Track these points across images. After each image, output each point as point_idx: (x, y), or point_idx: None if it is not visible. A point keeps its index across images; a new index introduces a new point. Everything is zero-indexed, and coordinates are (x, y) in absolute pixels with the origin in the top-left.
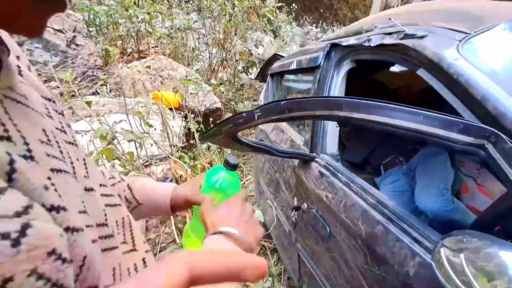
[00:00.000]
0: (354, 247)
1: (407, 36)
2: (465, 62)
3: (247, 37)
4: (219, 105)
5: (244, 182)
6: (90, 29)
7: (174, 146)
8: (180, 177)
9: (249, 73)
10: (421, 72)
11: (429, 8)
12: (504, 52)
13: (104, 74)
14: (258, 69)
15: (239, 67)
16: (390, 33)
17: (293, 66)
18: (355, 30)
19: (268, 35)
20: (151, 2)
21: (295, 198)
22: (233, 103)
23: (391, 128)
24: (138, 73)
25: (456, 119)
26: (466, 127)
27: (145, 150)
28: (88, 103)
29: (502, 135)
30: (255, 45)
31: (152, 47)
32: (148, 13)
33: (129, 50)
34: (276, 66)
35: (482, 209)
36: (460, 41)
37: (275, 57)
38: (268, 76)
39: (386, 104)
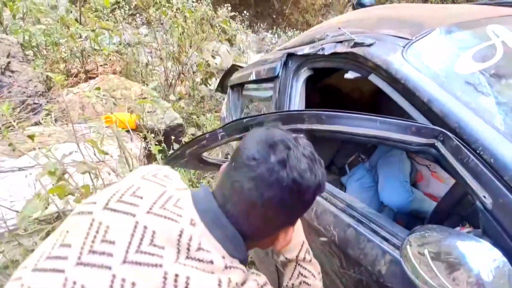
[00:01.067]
0: (329, 252)
1: (356, 44)
2: (410, 66)
3: (203, 48)
4: (180, 121)
5: None
6: (27, 52)
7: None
8: None
9: (208, 85)
10: (372, 78)
11: (374, 15)
12: (442, 55)
13: (48, 101)
14: (217, 79)
15: (198, 79)
16: (341, 42)
17: (252, 77)
18: (309, 39)
19: (224, 44)
20: (95, 18)
21: None
22: (194, 117)
23: (352, 136)
24: (87, 97)
25: (408, 122)
26: (417, 129)
27: (102, 180)
28: (31, 137)
29: (449, 134)
30: (212, 56)
31: (101, 66)
32: (93, 30)
33: (74, 71)
34: (235, 77)
35: (436, 194)
36: (403, 47)
37: (234, 67)
38: (228, 88)
39: (346, 114)
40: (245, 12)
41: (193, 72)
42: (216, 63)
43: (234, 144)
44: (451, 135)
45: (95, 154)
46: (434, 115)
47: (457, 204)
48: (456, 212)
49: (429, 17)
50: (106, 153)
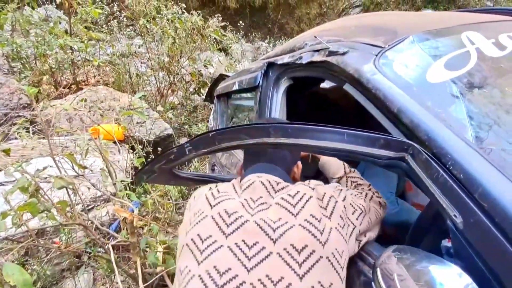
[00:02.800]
0: None
1: (331, 53)
2: (381, 76)
3: (196, 58)
4: (170, 131)
5: None
6: (14, 64)
7: (121, 182)
8: (125, 219)
9: (201, 94)
10: (347, 87)
11: (352, 23)
12: (413, 64)
13: (32, 114)
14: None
15: (191, 89)
16: (318, 50)
17: (235, 87)
18: (289, 48)
19: (216, 54)
20: (85, 29)
21: None
22: (186, 126)
23: (320, 150)
24: (73, 108)
25: (376, 135)
26: (386, 142)
27: (79, 196)
28: (6, 152)
29: (418, 147)
30: (204, 65)
31: (94, 76)
32: (82, 41)
33: (65, 83)
34: (221, 87)
35: (421, 202)
36: (376, 55)
37: (221, 77)
38: (215, 98)
39: (312, 127)
40: (240, 22)
41: (186, 82)
42: (210, 73)
43: (219, 155)
44: (420, 148)
45: (73, 168)
46: (404, 126)
47: (437, 217)
48: (438, 226)
49: (404, 24)
50: (85, 167)
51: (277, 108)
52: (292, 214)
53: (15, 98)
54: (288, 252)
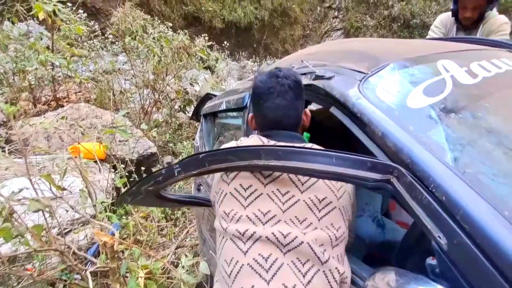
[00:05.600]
0: None
1: (317, 77)
2: (366, 101)
3: (181, 75)
4: (154, 149)
5: (189, 230)
6: None
7: (101, 204)
8: (105, 244)
9: (186, 112)
10: (333, 110)
11: (335, 48)
12: (394, 89)
13: (7, 132)
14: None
15: (176, 106)
16: (305, 74)
17: (223, 107)
18: None
19: (202, 72)
20: (68, 45)
21: None
22: (171, 144)
23: (309, 172)
24: (52, 125)
25: (364, 158)
26: (373, 164)
27: (56, 219)
28: None
29: (402, 169)
30: (190, 84)
31: (75, 93)
32: (65, 58)
33: (44, 99)
34: (208, 106)
35: (408, 222)
36: (360, 81)
37: (208, 96)
38: (201, 117)
39: (302, 149)
40: (226, 42)
41: (171, 100)
42: (195, 90)
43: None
44: (404, 171)
45: (50, 190)
46: (389, 149)
47: (421, 237)
48: (423, 245)
49: (385, 51)
50: (64, 189)
51: None
52: None
53: None
54: (311, 200)
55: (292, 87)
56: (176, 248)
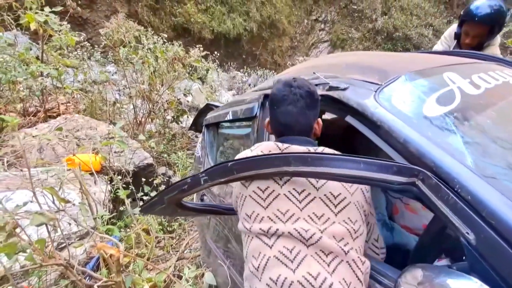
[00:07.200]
0: None
1: (332, 88)
2: (383, 109)
3: (174, 86)
4: (150, 160)
5: (188, 242)
6: None
7: (100, 218)
8: (111, 256)
9: (180, 122)
10: (349, 119)
11: (340, 61)
12: (409, 99)
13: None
14: (189, 117)
15: (169, 117)
16: (316, 85)
17: (229, 117)
18: None
19: (196, 82)
20: (59, 56)
21: None
22: (165, 155)
23: (337, 177)
24: (48, 138)
25: (390, 163)
26: (398, 168)
27: (61, 231)
28: None
29: (427, 172)
30: (184, 94)
31: (62, 104)
32: (57, 69)
33: (31, 110)
34: (211, 116)
35: (412, 226)
36: (375, 91)
37: (208, 107)
38: (204, 127)
39: (330, 156)
40: (216, 52)
41: (164, 110)
42: (188, 101)
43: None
44: (430, 174)
45: (53, 202)
46: (411, 154)
47: (438, 237)
48: (437, 245)
49: (389, 65)
50: (68, 201)
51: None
52: None
53: None
54: (327, 197)
55: (304, 96)
56: (176, 260)
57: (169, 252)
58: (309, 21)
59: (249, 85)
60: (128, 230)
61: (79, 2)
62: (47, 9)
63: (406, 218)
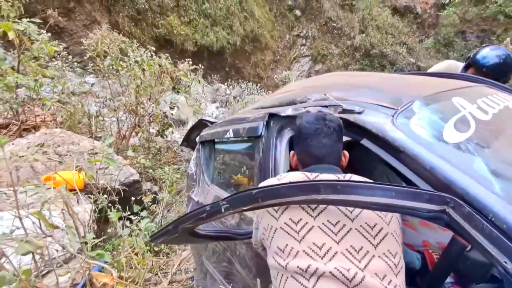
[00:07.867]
0: None
1: (345, 111)
2: (403, 135)
3: (160, 99)
4: (136, 177)
5: (180, 263)
6: None
7: (87, 242)
8: (104, 285)
9: (165, 136)
10: (365, 142)
11: (340, 81)
12: (427, 125)
13: None
14: (173, 131)
15: (153, 130)
16: (326, 106)
17: (230, 135)
18: (288, 101)
19: (182, 95)
20: (37, 67)
21: (259, 280)
22: (150, 170)
23: (368, 205)
24: (34, 157)
25: (420, 191)
26: (430, 196)
27: (50, 259)
28: None
29: (459, 201)
30: (170, 107)
31: (38, 115)
32: (36, 80)
33: (2, 121)
34: (207, 133)
35: (411, 243)
36: (392, 116)
37: (201, 122)
38: (198, 144)
39: (361, 184)
40: (199, 65)
41: (149, 123)
42: (172, 114)
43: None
44: (461, 202)
45: (40, 228)
46: (438, 182)
47: (456, 260)
48: (454, 266)
49: (400, 88)
50: (56, 227)
51: (282, 158)
52: None
53: None
54: (363, 228)
55: (336, 130)
56: (168, 284)
57: (157, 274)
58: (291, 36)
59: (234, 97)
60: (115, 253)
61: (56, 10)
62: (25, 19)
63: (406, 235)
